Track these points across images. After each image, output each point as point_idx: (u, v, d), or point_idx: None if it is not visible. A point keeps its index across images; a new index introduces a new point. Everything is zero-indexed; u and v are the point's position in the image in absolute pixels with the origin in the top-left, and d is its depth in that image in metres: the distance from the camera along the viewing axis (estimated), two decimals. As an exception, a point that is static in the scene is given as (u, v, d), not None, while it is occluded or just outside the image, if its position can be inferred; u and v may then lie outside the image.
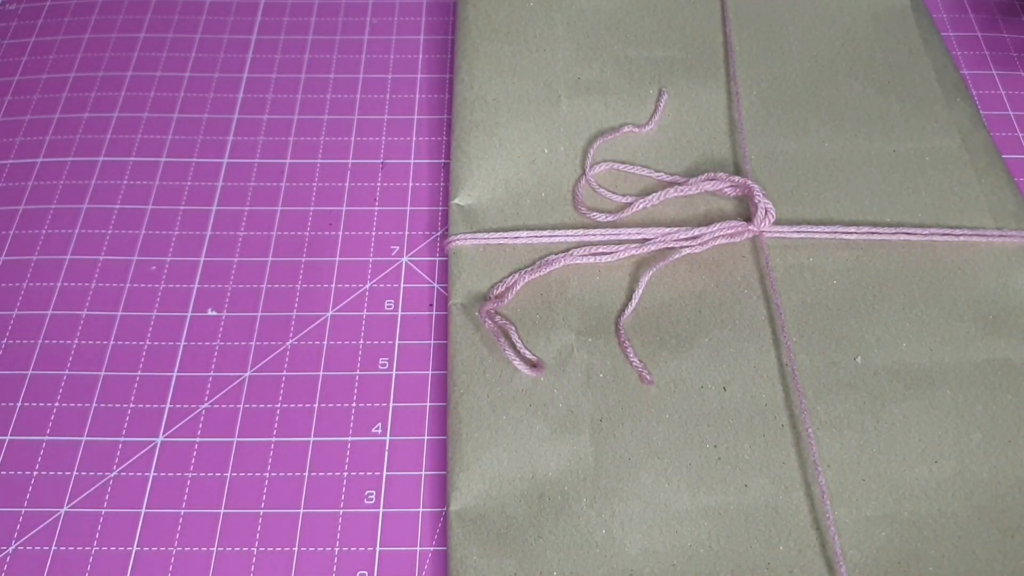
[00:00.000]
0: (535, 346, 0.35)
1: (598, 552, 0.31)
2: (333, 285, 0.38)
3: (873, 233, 0.37)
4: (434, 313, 0.38)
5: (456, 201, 0.39)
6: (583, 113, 0.42)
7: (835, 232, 0.37)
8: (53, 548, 0.32)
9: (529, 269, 0.36)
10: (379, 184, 0.41)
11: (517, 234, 0.37)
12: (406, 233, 0.40)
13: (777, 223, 0.38)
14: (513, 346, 0.34)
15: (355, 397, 0.35)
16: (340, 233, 0.40)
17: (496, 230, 0.38)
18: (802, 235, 0.37)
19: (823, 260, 0.37)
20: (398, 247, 0.39)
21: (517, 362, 0.34)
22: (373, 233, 0.40)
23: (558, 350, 0.35)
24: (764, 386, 0.34)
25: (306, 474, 0.33)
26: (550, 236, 0.38)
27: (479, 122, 0.41)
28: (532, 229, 0.38)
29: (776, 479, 0.32)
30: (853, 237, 0.37)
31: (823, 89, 0.42)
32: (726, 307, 0.36)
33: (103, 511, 0.33)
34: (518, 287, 0.36)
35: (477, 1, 0.45)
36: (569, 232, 0.38)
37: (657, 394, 0.34)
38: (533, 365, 0.34)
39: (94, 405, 0.35)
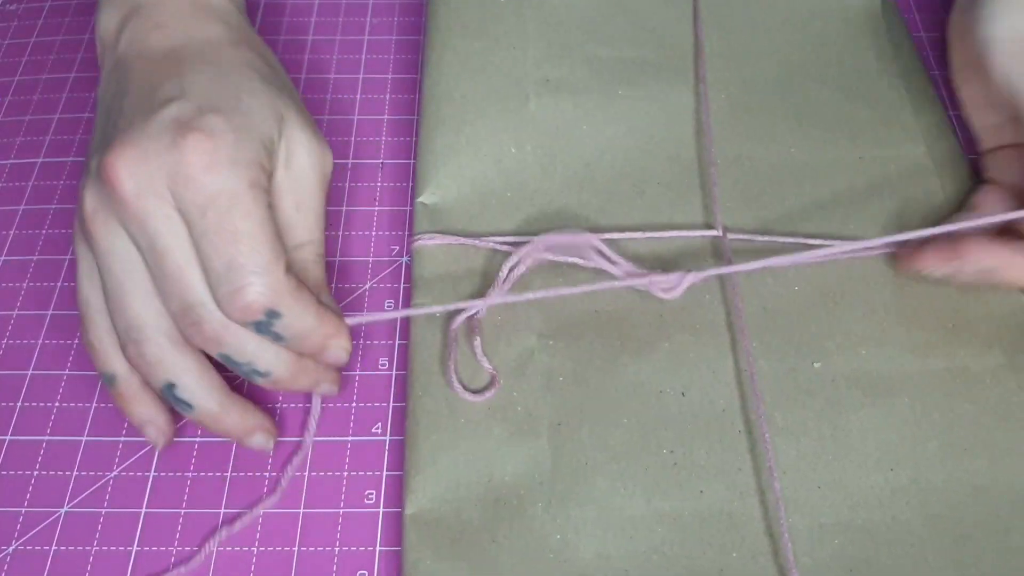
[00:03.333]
0: (496, 349, 0.35)
1: (552, 558, 0.31)
2: (333, 285, 0.38)
3: (835, 241, 0.37)
4: (434, 313, 0.37)
5: (421, 199, 0.39)
6: (551, 113, 0.41)
7: (799, 240, 0.37)
8: (53, 548, 0.32)
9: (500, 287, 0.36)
10: (379, 184, 0.41)
11: (482, 239, 0.37)
12: (406, 233, 0.40)
13: (742, 229, 0.38)
14: (474, 353, 0.34)
15: (355, 397, 0.35)
16: (340, 233, 0.40)
17: (461, 233, 0.38)
18: (767, 240, 0.37)
19: (785, 266, 0.37)
20: (398, 247, 0.39)
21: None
22: (373, 233, 0.40)
23: (519, 353, 0.35)
24: (723, 391, 0.34)
25: (306, 474, 0.33)
26: (515, 240, 0.37)
27: (446, 119, 0.41)
28: (498, 233, 0.38)
29: (731, 485, 0.32)
30: (816, 243, 0.37)
31: (792, 94, 0.42)
32: (688, 311, 0.36)
33: (103, 511, 0.33)
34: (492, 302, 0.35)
35: None
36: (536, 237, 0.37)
37: (616, 398, 0.34)
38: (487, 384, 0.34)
39: (94, 405, 0.35)
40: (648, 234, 0.37)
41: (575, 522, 0.31)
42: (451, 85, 0.42)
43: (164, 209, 0.29)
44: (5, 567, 0.31)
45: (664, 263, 0.37)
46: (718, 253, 0.37)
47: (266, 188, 0.30)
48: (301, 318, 0.30)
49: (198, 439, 0.34)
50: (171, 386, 0.30)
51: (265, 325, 0.29)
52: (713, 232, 0.38)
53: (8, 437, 0.34)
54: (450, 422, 0.33)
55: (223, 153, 0.29)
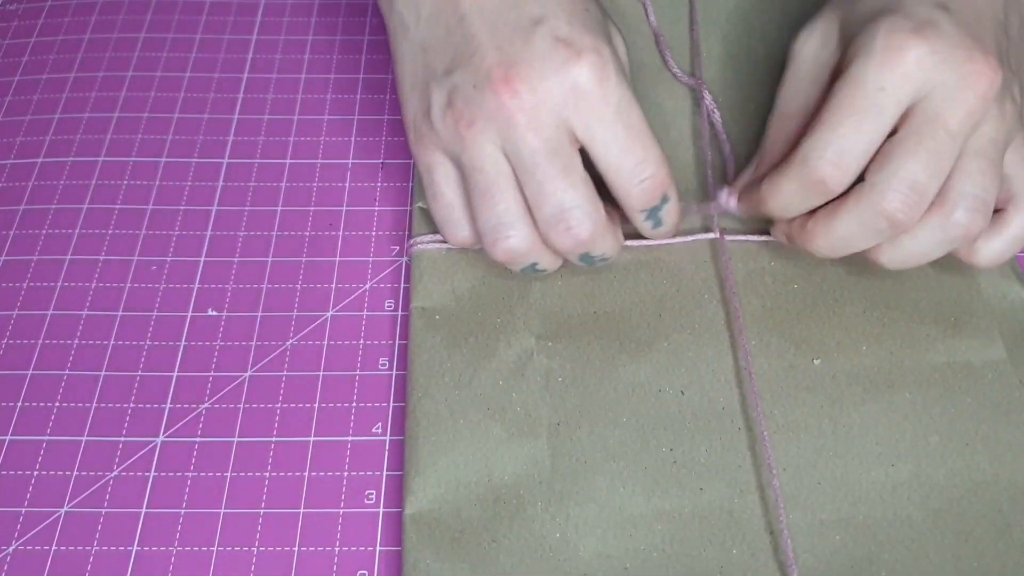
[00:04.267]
0: (495, 349, 0.35)
1: (552, 556, 0.31)
2: (333, 285, 0.38)
3: None
4: (434, 313, 0.37)
5: (420, 204, 0.39)
6: None
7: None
8: (53, 548, 0.32)
9: None
10: (379, 184, 0.41)
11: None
12: (406, 233, 0.40)
13: (740, 230, 0.38)
14: None
15: (355, 397, 0.35)
16: (340, 233, 0.40)
17: None
18: (765, 240, 0.37)
19: (784, 264, 0.37)
20: (398, 247, 0.39)
21: None
22: (373, 233, 0.40)
23: (518, 354, 0.35)
24: (722, 390, 0.34)
25: (306, 474, 0.33)
26: None
27: None
28: None
29: (731, 483, 0.32)
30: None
31: None
32: (686, 311, 0.36)
33: (103, 511, 0.33)
34: None
35: None
36: None
37: (615, 398, 0.34)
38: None
39: (94, 405, 0.35)
40: (646, 242, 0.37)
41: (575, 521, 0.31)
42: None
43: (553, 123, 0.32)
44: (5, 567, 0.31)
45: (663, 265, 0.37)
46: (716, 252, 0.37)
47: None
48: (676, 211, 0.35)
49: (198, 439, 0.34)
50: (533, 265, 0.34)
51: (654, 211, 0.34)
52: (711, 234, 0.38)
53: (8, 437, 0.34)
54: (450, 423, 0.33)
55: (611, 67, 0.32)
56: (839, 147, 0.31)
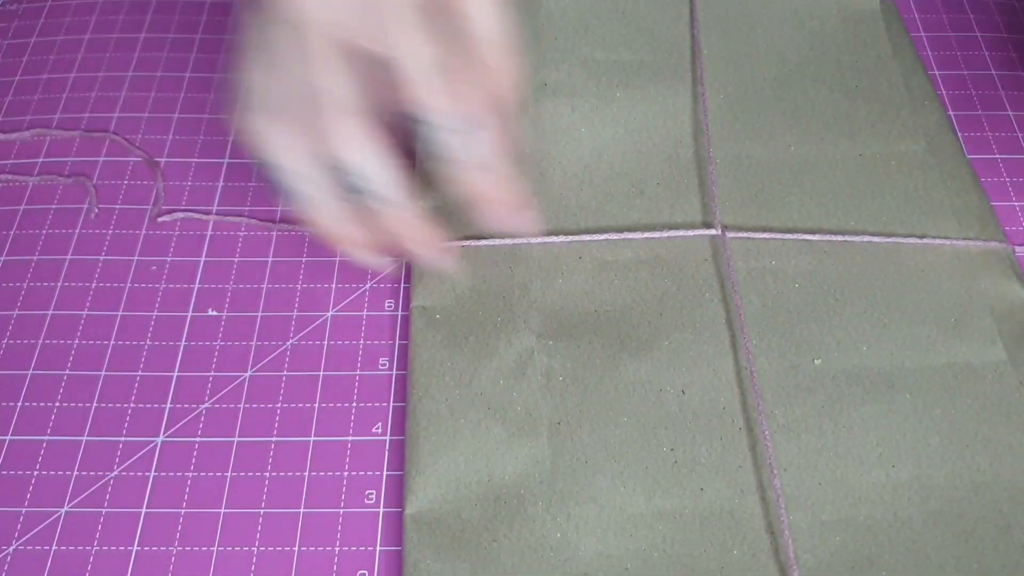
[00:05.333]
0: (496, 348, 0.35)
1: (552, 556, 0.31)
2: (333, 285, 0.38)
3: (836, 235, 0.37)
4: (434, 313, 0.37)
5: (421, 203, 0.39)
6: (549, 117, 0.41)
7: (799, 236, 0.37)
8: (53, 548, 0.32)
9: None
10: (379, 184, 0.41)
11: (480, 241, 0.37)
12: (406, 233, 0.40)
13: (741, 227, 0.38)
14: None
15: (355, 397, 0.35)
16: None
17: (459, 236, 0.38)
18: (766, 238, 0.37)
19: (785, 264, 0.37)
20: (398, 247, 0.39)
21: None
22: (373, 233, 0.40)
23: (519, 353, 0.35)
24: (723, 389, 0.34)
25: (306, 474, 0.33)
26: (512, 242, 0.37)
27: None
28: (496, 236, 0.38)
29: (732, 483, 0.32)
30: (816, 239, 0.37)
31: (790, 93, 0.42)
32: (687, 310, 0.36)
33: (103, 511, 0.33)
34: None
35: None
36: (534, 239, 0.38)
37: (616, 397, 0.34)
38: None
39: (94, 405, 0.35)
40: (647, 234, 0.37)
41: (575, 521, 0.31)
42: None
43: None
44: (5, 567, 0.31)
45: (664, 263, 0.37)
46: (717, 251, 0.37)
47: None
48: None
49: (198, 439, 0.34)
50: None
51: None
52: (712, 231, 0.38)
53: (8, 437, 0.34)
54: (450, 423, 0.33)
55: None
56: None
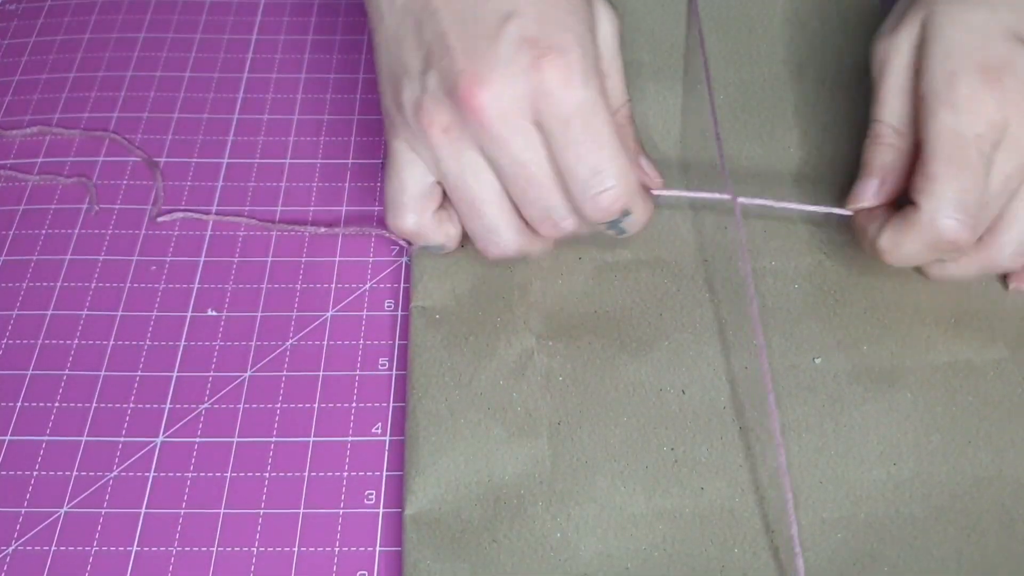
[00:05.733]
0: (496, 349, 0.35)
1: (552, 556, 0.31)
2: (333, 285, 0.38)
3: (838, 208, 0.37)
4: (434, 313, 0.37)
5: None
6: None
7: (803, 207, 0.37)
8: (53, 548, 0.32)
9: None
10: (379, 184, 0.41)
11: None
12: (406, 233, 0.40)
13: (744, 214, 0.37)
14: None
15: (355, 397, 0.35)
16: (340, 233, 0.40)
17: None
18: (773, 204, 0.37)
19: (786, 264, 0.37)
20: (398, 247, 0.39)
21: None
22: (373, 233, 0.40)
23: (519, 353, 0.35)
24: (723, 389, 0.34)
25: (306, 474, 0.33)
26: None
27: None
28: None
29: (732, 482, 0.32)
30: (814, 208, 0.37)
31: (790, 94, 0.42)
32: (687, 311, 0.36)
33: (103, 511, 0.33)
34: None
35: None
36: None
37: (616, 397, 0.34)
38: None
39: (94, 405, 0.35)
40: (660, 191, 0.36)
41: (575, 521, 0.31)
42: None
43: (525, 126, 0.31)
44: (5, 567, 0.31)
45: (664, 264, 0.37)
46: (717, 253, 0.37)
47: (605, 91, 0.32)
48: (645, 214, 0.34)
49: (198, 439, 0.34)
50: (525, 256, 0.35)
51: (616, 223, 0.33)
52: (724, 195, 0.37)
53: (8, 437, 0.34)
54: (450, 423, 0.33)
55: (576, 67, 0.31)
56: (961, 204, 0.31)
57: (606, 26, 0.34)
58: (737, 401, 0.34)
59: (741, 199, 0.37)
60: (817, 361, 0.35)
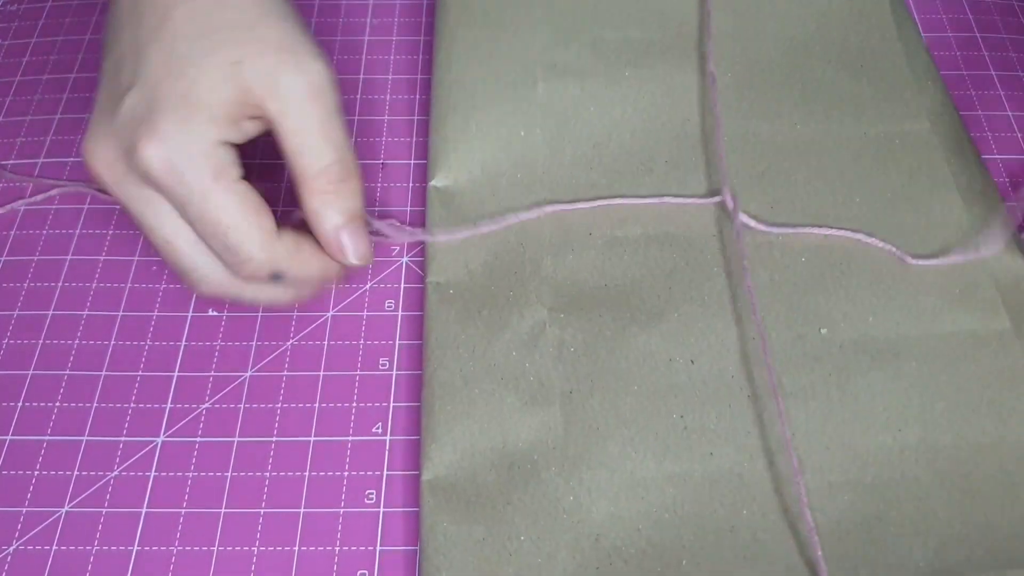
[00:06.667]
0: (508, 321, 0.35)
1: (565, 518, 0.31)
2: (334, 285, 0.38)
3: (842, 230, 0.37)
4: (434, 313, 0.37)
5: (433, 183, 0.39)
6: (559, 96, 0.42)
7: (810, 230, 0.37)
8: (54, 548, 0.32)
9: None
10: (379, 184, 0.41)
11: (493, 223, 0.37)
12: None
13: (747, 211, 0.38)
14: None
15: (355, 397, 0.35)
16: (340, 233, 0.40)
17: (472, 218, 0.38)
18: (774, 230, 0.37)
19: (792, 238, 0.37)
20: (398, 247, 0.39)
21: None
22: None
23: (531, 326, 0.35)
24: (731, 359, 0.34)
25: (306, 474, 0.33)
26: (526, 215, 0.38)
27: (456, 105, 0.41)
28: (508, 211, 0.38)
29: (741, 447, 0.33)
30: (826, 233, 0.37)
31: (797, 72, 0.43)
32: (696, 284, 0.36)
33: (104, 511, 0.33)
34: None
35: None
36: (546, 207, 0.38)
37: (626, 367, 0.34)
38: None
39: (94, 405, 0.35)
40: (654, 200, 0.37)
41: (587, 484, 0.32)
42: (461, 72, 0.42)
43: (144, 193, 0.31)
44: (6, 566, 0.31)
45: (673, 239, 0.38)
46: (724, 227, 0.38)
47: (232, 165, 0.31)
48: (305, 271, 0.33)
49: (198, 439, 0.34)
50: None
51: (275, 278, 0.32)
52: (717, 198, 0.38)
53: (8, 437, 0.34)
54: (464, 392, 0.34)
55: (178, 156, 0.30)
56: None
57: (289, 80, 0.31)
58: (747, 370, 0.34)
59: (742, 217, 0.37)
60: (823, 331, 0.35)
